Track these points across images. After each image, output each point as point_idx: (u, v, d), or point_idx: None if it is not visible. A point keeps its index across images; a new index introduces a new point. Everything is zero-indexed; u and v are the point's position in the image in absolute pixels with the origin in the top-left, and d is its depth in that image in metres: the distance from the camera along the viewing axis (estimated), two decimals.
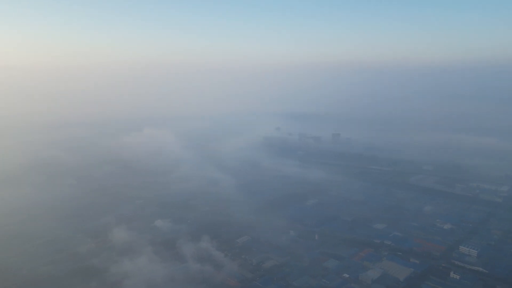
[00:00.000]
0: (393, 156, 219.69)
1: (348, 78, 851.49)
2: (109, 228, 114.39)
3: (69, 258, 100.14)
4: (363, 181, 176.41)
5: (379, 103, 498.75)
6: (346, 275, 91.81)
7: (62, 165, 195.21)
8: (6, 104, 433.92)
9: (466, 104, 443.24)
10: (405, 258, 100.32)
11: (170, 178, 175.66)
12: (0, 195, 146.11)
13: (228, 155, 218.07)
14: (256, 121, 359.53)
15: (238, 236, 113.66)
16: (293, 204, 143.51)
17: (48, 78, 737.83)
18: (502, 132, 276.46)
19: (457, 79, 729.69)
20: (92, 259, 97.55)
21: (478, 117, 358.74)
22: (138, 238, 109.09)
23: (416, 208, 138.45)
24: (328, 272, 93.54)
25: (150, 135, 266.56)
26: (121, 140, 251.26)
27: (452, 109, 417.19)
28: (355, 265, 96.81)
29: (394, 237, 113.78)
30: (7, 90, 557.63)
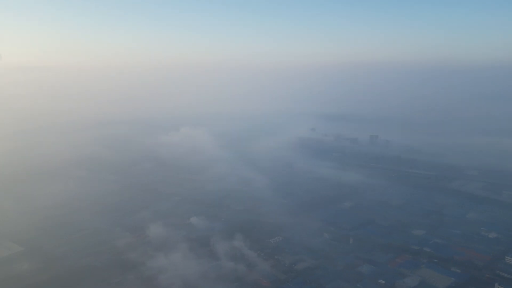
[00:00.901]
0: (434, 160, 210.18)
1: (379, 77, 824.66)
2: (146, 223, 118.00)
3: (108, 250, 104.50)
4: (402, 185, 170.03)
5: (415, 103, 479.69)
6: (382, 281, 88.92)
7: (103, 161, 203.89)
8: (51, 103, 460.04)
9: (504, 105, 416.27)
10: (446, 267, 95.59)
11: (205, 176, 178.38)
12: (48, 188, 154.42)
13: (262, 155, 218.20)
14: (291, 121, 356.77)
15: (270, 236, 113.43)
16: (327, 206, 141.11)
17: (91, 78, 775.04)
18: None
19: (488, 78, 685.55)
20: (129, 253, 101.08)
21: None
22: (173, 234, 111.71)
23: (459, 215, 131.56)
24: (363, 277, 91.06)
25: (186, 134, 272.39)
26: (159, 139, 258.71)
27: (491, 110, 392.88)
28: (391, 272, 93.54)
29: (434, 244, 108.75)
30: (53, 90, 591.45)
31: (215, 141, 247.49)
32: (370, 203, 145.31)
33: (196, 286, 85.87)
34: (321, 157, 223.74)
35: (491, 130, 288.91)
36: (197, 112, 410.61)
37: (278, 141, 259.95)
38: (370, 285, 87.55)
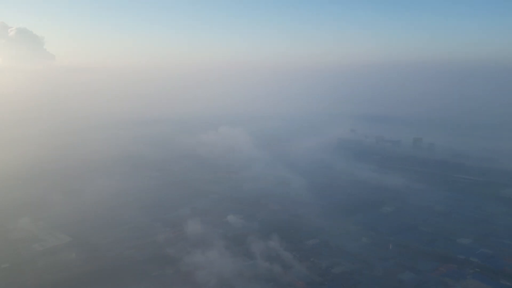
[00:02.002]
0: (483, 165, 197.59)
1: (413, 77, 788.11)
2: (184, 220, 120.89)
3: (149, 244, 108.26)
4: (447, 190, 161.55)
5: (460, 104, 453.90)
6: None
7: (145, 158, 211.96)
8: (100, 102, 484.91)
9: None
10: (494, 279, 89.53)
11: (243, 175, 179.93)
12: (96, 183, 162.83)
13: (300, 156, 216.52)
14: (329, 122, 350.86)
15: (307, 238, 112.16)
16: (366, 210, 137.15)
17: (137, 79, 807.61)
18: None
19: None
20: (168, 248, 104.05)
21: None
22: (210, 231, 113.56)
23: (510, 224, 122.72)
24: (403, 285, 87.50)
25: (224, 133, 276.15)
26: (198, 137, 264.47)
27: None
28: (434, 281, 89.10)
29: (482, 254, 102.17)
30: (102, 90, 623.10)
31: (252, 140, 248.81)
32: (413, 208, 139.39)
33: (231, 285, 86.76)
34: (361, 159, 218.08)
35: None
36: (234, 112, 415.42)
37: (316, 142, 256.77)
38: None
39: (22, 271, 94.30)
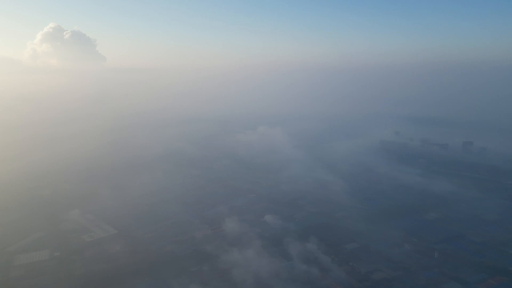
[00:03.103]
0: None
1: (464, 76, 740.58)
2: (222, 217, 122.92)
3: (188, 240, 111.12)
4: (499, 198, 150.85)
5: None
6: None
7: (186, 156, 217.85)
8: (144, 102, 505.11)
9: None
10: None
11: (281, 176, 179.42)
12: (140, 179, 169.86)
13: (340, 158, 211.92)
14: (370, 123, 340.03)
15: (346, 241, 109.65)
16: (410, 216, 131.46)
17: (180, 79, 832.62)
18: None
19: None
20: (206, 245, 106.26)
21: None
22: (248, 230, 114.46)
23: None
24: None
25: (263, 133, 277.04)
26: (237, 137, 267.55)
27: None
28: None
29: None
30: (149, 90, 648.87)
31: (291, 141, 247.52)
32: (460, 215, 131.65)
33: (267, 285, 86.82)
34: (406, 163, 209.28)
35: None
36: (272, 112, 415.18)
37: (357, 143, 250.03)
38: None
39: (72, 260, 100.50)
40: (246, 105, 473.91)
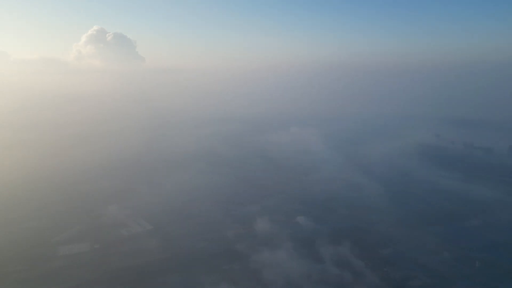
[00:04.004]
0: None
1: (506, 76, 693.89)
2: (253, 217, 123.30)
3: (219, 238, 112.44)
4: None
5: None
6: None
7: (219, 155, 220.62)
8: (180, 101, 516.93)
9: None
10: None
11: (313, 177, 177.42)
12: (174, 177, 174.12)
13: (375, 161, 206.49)
14: (407, 125, 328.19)
15: (380, 246, 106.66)
16: (449, 223, 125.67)
17: (216, 79, 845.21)
18: None
19: None
20: (237, 244, 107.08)
21: None
22: (279, 231, 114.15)
23: None
24: None
25: (295, 134, 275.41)
26: (269, 137, 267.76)
27: None
28: None
29: None
30: (186, 89, 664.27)
31: (324, 142, 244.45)
32: (504, 223, 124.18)
33: (298, 287, 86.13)
34: (446, 167, 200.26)
35: None
36: (304, 112, 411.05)
37: (394, 146, 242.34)
38: None
39: (110, 253, 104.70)
40: (278, 105, 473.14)
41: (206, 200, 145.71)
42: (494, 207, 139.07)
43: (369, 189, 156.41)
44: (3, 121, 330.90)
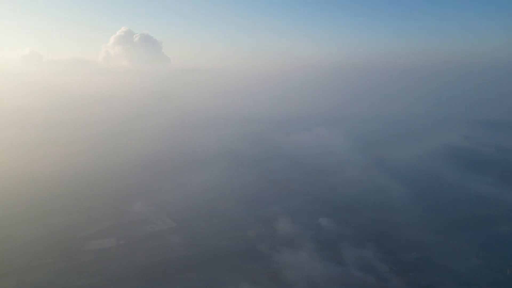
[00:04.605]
0: None
1: None
2: (275, 217, 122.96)
3: (241, 238, 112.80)
4: None
5: None
6: None
7: (242, 155, 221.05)
8: (205, 100, 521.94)
9: None
10: None
11: (337, 179, 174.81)
12: (197, 176, 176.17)
13: (402, 163, 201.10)
14: (436, 126, 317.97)
15: (405, 251, 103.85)
16: (480, 228, 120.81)
17: (241, 79, 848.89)
18: None
19: None
20: (258, 244, 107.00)
21: None
22: (301, 232, 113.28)
23: None
24: None
25: (319, 134, 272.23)
26: (293, 137, 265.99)
27: None
28: None
29: None
30: (211, 89, 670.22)
31: (349, 143, 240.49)
32: None
33: None
34: (477, 171, 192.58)
35: None
36: (328, 113, 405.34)
37: (422, 148, 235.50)
38: None
39: (135, 248, 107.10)
40: (299, 105, 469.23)
41: (229, 199, 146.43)
42: None
43: (396, 192, 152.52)
44: (35, 119, 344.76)
